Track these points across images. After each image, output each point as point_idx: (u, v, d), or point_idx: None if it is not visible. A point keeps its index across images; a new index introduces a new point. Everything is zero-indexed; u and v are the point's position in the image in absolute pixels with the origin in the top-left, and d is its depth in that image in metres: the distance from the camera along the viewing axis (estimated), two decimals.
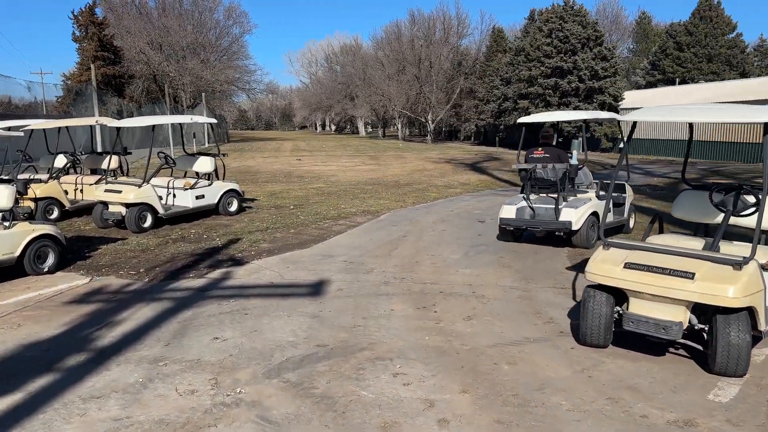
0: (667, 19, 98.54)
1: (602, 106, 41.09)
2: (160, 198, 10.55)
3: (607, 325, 4.63)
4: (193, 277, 7.13)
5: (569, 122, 39.91)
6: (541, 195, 8.75)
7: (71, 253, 8.27)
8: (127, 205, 10.00)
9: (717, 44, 53.00)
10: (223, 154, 11.83)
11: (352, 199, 14.04)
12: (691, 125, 6.46)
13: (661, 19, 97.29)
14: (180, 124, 14.23)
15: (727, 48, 53.00)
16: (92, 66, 26.42)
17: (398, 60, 65.69)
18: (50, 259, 7.54)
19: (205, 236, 9.65)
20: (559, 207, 8.33)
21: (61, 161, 12.46)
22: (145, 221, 10.17)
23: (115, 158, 12.18)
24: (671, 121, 8.51)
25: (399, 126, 69.88)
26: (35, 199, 10.97)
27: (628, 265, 4.53)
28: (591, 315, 4.65)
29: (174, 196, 11.12)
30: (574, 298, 6.16)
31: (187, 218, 10.99)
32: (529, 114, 43.47)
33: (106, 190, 10.23)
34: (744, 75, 50.00)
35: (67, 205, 11.38)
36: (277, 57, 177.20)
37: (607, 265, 4.64)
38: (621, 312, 4.63)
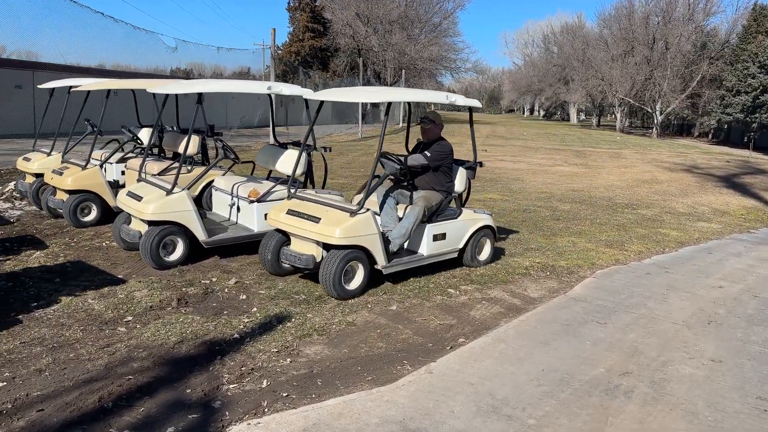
0: None
1: None
2: (203, 214, 6.56)
3: None
4: None
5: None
6: None
7: None
8: (150, 223, 6.15)
9: None
10: (327, 149, 7.35)
11: (528, 232, 8.81)
12: None
13: None
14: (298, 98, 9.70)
15: None
16: (272, 30, 24.24)
17: (626, 40, 56.91)
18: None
19: (242, 297, 5.37)
20: None
21: (145, 137, 9.24)
22: (173, 251, 6.23)
23: (194, 138, 8.53)
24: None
25: (618, 115, 60.69)
26: (72, 192, 7.76)
27: None
28: None
29: (238, 209, 7.05)
30: None
31: (251, 247, 6.84)
32: None
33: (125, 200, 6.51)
34: None
35: (113, 202, 7.93)
36: (490, 36, 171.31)
37: None
38: None
